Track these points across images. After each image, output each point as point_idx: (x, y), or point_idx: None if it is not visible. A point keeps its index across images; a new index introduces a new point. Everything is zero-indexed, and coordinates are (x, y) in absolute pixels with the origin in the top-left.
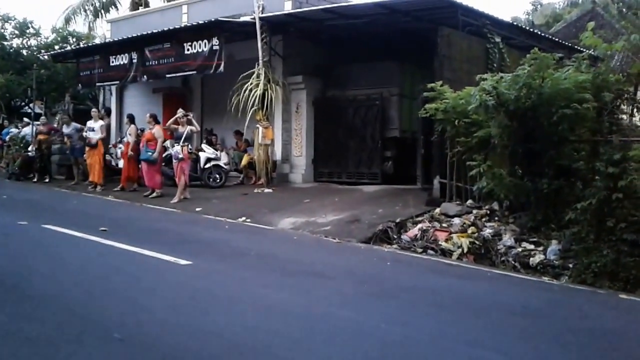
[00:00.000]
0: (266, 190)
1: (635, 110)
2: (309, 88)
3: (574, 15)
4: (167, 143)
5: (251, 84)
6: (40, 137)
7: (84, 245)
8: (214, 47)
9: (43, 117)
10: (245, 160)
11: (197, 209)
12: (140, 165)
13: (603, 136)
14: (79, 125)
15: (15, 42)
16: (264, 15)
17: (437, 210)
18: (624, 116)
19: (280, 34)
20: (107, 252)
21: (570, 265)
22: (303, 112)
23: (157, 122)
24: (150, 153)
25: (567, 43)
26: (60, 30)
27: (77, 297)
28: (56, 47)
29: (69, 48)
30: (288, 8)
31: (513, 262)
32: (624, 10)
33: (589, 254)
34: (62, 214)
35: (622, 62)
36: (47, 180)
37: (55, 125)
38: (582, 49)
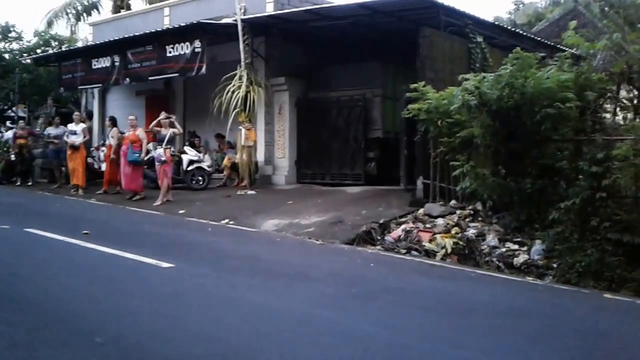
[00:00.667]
0: (249, 192)
1: (618, 109)
2: (291, 89)
3: (556, 15)
4: (150, 145)
5: (233, 85)
6: (20, 141)
7: (66, 248)
8: (196, 50)
9: (21, 122)
10: (225, 161)
11: (180, 212)
12: (121, 168)
13: (586, 135)
14: (67, 128)
15: None
16: (245, 17)
17: (421, 210)
18: (607, 115)
19: (263, 36)
20: (89, 256)
21: (555, 265)
22: (286, 114)
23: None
24: (137, 154)
25: (549, 42)
26: (43, 34)
27: (58, 301)
28: (38, 50)
29: (51, 51)
30: (270, 9)
31: (497, 263)
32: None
33: (573, 254)
34: (45, 218)
35: (604, 61)
36: (30, 183)
37: (38, 130)
38: (564, 48)
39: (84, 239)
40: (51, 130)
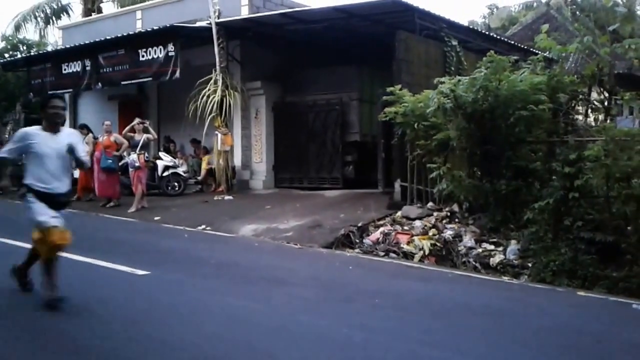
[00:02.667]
0: (226, 197)
1: (589, 110)
2: (268, 93)
3: (529, 18)
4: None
5: (209, 90)
6: None
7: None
8: (170, 53)
9: None
10: (204, 166)
11: (156, 218)
12: (94, 175)
13: (559, 137)
14: None
15: None
16: (220, 20)
17: (399, 213)
18: (579, 117)
19: (238, 39)
20: (61, 264)
21: (530, 265)
22: (262, 118)
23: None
24: (110, 161)
25: (522, 46)
26: (10, 38)
27: (29, 310)
28: (6, 55)
29: (19, 56)
30: (245, 13)
31: (474, 263)
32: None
33: (548, 253)
34: (14, 226)
35: (576, 63)
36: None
37: (7, 136)
38: (537, 51)
39: None
40: None
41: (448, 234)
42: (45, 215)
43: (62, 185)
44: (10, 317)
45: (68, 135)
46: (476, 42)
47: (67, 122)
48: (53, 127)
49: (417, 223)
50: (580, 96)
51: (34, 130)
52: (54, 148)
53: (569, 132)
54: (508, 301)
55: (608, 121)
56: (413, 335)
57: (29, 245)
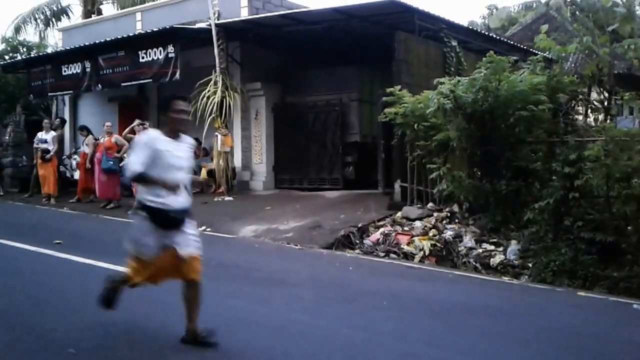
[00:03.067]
0: (226, 198)
1: (589, 110)
2: (267, 94)
3: (528, 19)
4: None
5: (209, 91)
6: None
7: (38, 259)
8: (170, 55)
9: None
10: (204, 171)
11: None
12: (95, 176)
13: (559, 137)
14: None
15: None
16: (220, 21)
17: (399, 214)
18: (579, 117)
19: (238, 41)
20: (62, 266)
21: (530, 265)
22: (262, 119)
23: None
24: (111, 162)
25: (522, 46)
26: (10, 40)
27: (30, 312)
28: (6, 57)
29: (19, 58)
30: (245, 14)
31: (474, 263)
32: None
33: (548, 253)
34: (15, 228)
35: (575, 64)
36: (0, 193)
37: (7, 138)
38: (537, 51)
39: (57, 248)
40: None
41: (448, 234)
42: (147, 242)
43: (182, 201)
44: (5, 319)
45: (189, 145)
46: (476, 43)
47: (68, 124)
48: (175, 133)
49: (418, 224)
50: (580, 96)
51: (158, 135)
52: (177, 157)
53: (568, 132)
54: (508, 301)
55: (608, 121)
56: (413, 336)
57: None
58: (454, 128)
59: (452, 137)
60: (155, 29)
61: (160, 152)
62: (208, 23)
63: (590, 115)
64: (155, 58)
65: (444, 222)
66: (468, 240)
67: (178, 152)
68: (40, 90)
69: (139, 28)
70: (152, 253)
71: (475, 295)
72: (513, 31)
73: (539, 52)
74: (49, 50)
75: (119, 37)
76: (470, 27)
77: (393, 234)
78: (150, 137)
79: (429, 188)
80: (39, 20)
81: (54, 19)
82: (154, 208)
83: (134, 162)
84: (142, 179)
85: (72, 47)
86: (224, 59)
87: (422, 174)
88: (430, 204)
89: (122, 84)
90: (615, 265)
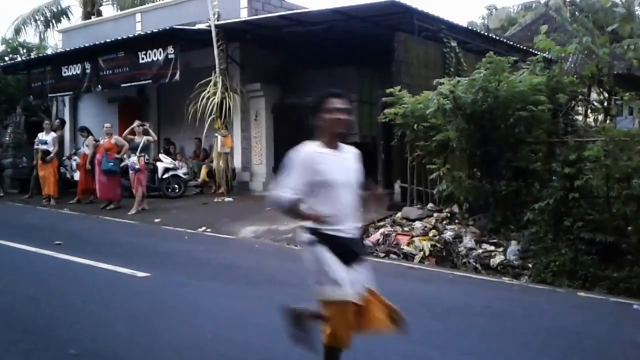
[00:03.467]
0: (226, 199)
1: (589, 111)
2: (267, 95)
3: (528, 19)
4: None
5: (208, 92)
6: None
7: (38, 259)
8: (169, 56)
9: None
10: (204, 172)
11: (156, 220)
12: (96, 177)
13: (558, 137)
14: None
15: None
16: (219, 22)
17: (399, 214)
18: (579, 117)
19: (237, 42)
20: (62, 267)
21: (530, 265)
22: (262, 120)
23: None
24: (111, 163)
25: (521, 46)
26: (10, 41)
27: (30, 312)
28: (6, 58)
29: (19, 59)
30: (244, 15)
31: (474, 264)
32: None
33: (548, 254)
34: (16, 229)
35: (575, 64)
36: (0, 194)
37: (7, 139)
38: (536, 52)
39: (57, 249)
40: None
41: (448, 234)
42: (343, 277)
43: (355, 228)
44: (7, 319)
45: (353, 153)
46: (475, 43)
47: (68, 125)
48: (335, 141)
49: (417, 224)
50: (580, 97)
51: (314, 149)
52: (343, 172)
53: (568, 132)
54: (508, 302)
55: (608, 121)
56: (413, 336)
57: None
58: (454, 128)
59: (451, 137)
60: (155, 30)
61: (320, 171)
62: (208, 24)
63: (590, 115)
64: (155, 59)
65: (444, 222)
66: (468, 241)
67: (342, 166)
68: (40, 91)
69: (138, 29)
70: (352, 289)
71: (475, 296)
72: (512, 31)
73: (539, 53)
74: (49, 51)
75: (118, 38)
76: (470, 28)
77: (393, 235)
78: (307, 154)
79: (429, 188)
80: (39, 22)
81: (54, 21)
82: (328, 235)
83: (284, 188)
84: (291, 210)
85: (72, 48)
86: (223, 60)
87: (422, 174)
88: (430, 205)
89: (122, 85)
90: (616, 266)
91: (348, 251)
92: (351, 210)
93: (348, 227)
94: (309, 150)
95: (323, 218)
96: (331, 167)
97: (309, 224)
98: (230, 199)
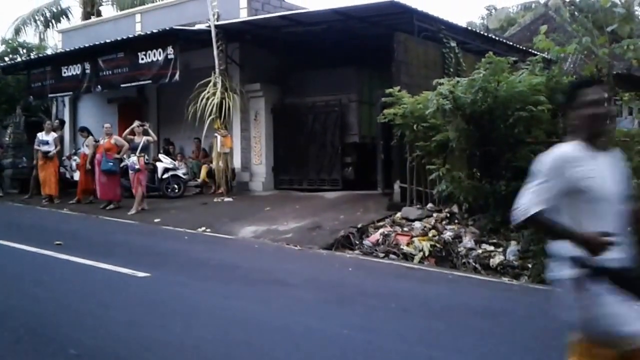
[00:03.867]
0: (226, 199)
1: None
2: (267, 95)
3: (527, 19)
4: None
5: (208, 92)
6: None
7: (38, 260)
8: (169, 56)
9: None
10: (203, 172)
11: (156, 220)
12: (96, 177)
13: (558, 137)
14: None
15: None
16: (219, 23)
17: (398, 214)
18: None
19: (237, 42)
20: (62, 267)
21: (529, 265)
22: (262, 120)
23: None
24: (111, 163)
25: (521, 47)
26: (10, 42)
27: (30, 312)
28: (6, 58)
29: (19, 59)
30: (244, 15)
31: (473, 264)
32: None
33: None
34: (16, 229)
35: (574, 64)
36: (0, 194)
37: (7, 139)
38: (536, 52)
39: (57, 249)
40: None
41: (448, 235)
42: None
43: (629, 251)
44: (7, 320)
45: (619, 157)
46: (475, 44)
47: (67, 125)
48: (594, 139)
49: (417, 224)
50: None
51: (571, 151)
52: (608, 180)
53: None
54: (508, 302)
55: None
56: (413, 336)
57: (27, 247)
58: (453, 129)
59: (451, 137)
60: (154, 31)
61: (580, 179)
62: (207, 24)
63: None
64: (154, 59)
65: (444, 222)
66: (467, 241)
67: (607, 173)
68: (40, 91)
69: (138, 29)
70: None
71: (474, 296)
72: (512, 32)
73: (538, 53)
74: (49, 51)
75: (118, 38)
76: (469, 28)
77: (392, 235)
78: (562, 157)
79: (429, 189)
80: (38, 22)
81: (53, 21)
82: (610, 268)
83: (531, 198)
84: (540, 225)
85: (71, 48)
86: (223, 60)
87: (422, 174)
88: (429, 205)
89: (122, 85)
90: None
91: (630, 285)
92: (621, 231)
93: (622, 255)
94: (563, 153)
95: (605, 242)
96: (593, 174)
97: (570, 250)
98: (230, 199)
